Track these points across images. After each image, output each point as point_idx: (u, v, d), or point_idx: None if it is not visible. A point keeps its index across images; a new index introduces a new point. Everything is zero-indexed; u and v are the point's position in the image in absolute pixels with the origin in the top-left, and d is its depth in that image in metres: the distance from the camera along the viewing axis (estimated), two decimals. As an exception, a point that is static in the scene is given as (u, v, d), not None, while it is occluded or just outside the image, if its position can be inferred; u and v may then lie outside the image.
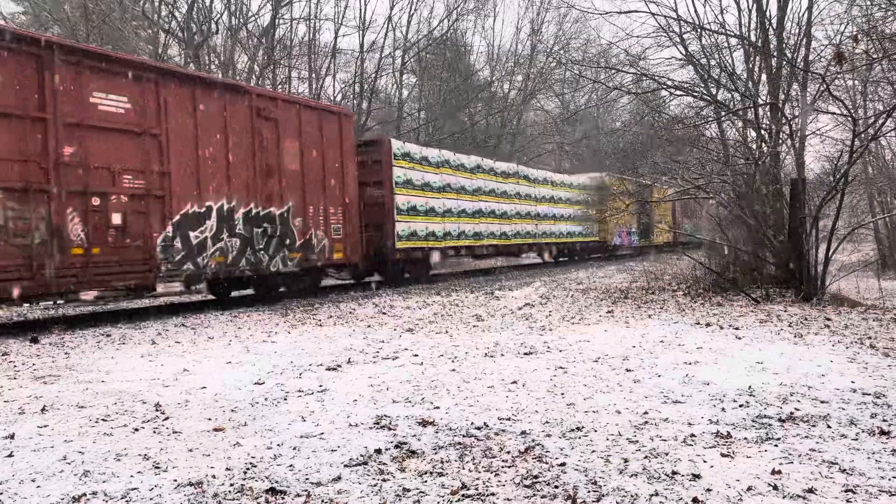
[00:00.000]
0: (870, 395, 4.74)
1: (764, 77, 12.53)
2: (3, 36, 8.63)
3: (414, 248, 16.43)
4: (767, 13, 12.19)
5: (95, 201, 9.49)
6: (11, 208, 8.56)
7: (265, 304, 12.34)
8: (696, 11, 22.82)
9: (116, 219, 9.73)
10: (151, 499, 3.10)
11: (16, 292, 8.59)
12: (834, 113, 12.52)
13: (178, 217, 10.58)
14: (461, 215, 18.70)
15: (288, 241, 12.53)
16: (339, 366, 6.22)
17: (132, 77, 10.06)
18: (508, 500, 3.01)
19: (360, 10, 31.06)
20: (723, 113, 12.52)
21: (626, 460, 3.49)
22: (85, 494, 3.17)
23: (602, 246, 27.55)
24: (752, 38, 12.42)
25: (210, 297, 14.01)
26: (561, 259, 26.45)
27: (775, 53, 12.07)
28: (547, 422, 4.22)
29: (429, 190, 17.25)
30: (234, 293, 13.68)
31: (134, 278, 9.97)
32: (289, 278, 13.24)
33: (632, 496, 3.02)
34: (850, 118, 10.80)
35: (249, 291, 13.63)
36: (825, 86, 10.41)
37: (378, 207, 15.53)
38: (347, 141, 14.08)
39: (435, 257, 17.39)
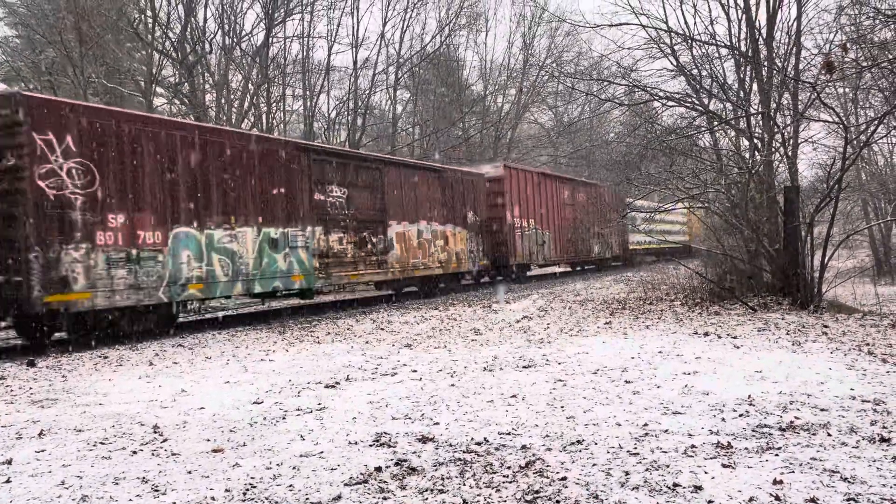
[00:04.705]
0: (869, 402, 4.74)
1: (755, 86, 12.61)
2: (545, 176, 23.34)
3: (634, 250, 31.20)
4: (757, 23, 12.30)
5: (559, 229, 23.41)
6: (560, 235, 23.49)
7: (262, 323, 12.34)
8: (686, 23, 23.09)
9: (562, 235, 23.71)
10: (151, 522, 3.09)
11: (562, 264, 25.95)
12: (825, 121, 12.59)
13: (566, 234, 24.26)
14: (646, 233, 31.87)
15: (608, 246, 27.25)
16: (338, 383, 6.20)
17: (568, 185, 24.75)
18: (510, 516, 3.00)
19: (353, 27, 31.24)
20: (715, 123, 12.59)
21: (627, 473, 3.48)
22: (83, 519, 3.15)
23: (687, 249, 36.43)
24: (743, 49, 12.51)
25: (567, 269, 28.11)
26: (668, 257, 37.17)
27: (766, 63, 12.16)
28: (547, 435, 4.21)
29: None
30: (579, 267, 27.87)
31: (574, 257, 24.80)
32: (603, 261, 27.85)
33: (634, 509, 3.01)
34: (841, 126, 10.86)
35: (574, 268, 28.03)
36: (816, 94, 10.48)
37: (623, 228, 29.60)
38: (609, 197, 26.89)
39: (638, 255, 32.37)
